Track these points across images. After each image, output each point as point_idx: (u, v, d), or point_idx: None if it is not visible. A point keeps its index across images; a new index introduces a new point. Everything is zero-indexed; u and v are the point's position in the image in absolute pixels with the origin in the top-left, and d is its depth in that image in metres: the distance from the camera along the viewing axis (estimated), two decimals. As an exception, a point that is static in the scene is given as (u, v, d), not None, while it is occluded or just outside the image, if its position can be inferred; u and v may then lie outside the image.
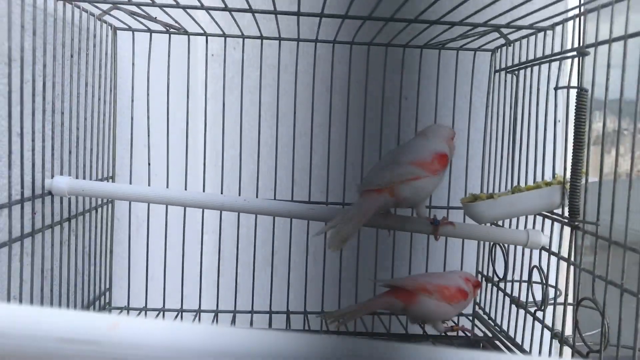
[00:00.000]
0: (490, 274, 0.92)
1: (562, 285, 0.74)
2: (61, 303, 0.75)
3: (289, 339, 0.26)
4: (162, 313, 0.92)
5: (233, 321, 0.91)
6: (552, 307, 0.73)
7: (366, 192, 0.65)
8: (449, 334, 0.83)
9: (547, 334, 0.72)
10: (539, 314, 0.74)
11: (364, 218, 0.63)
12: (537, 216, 0.77)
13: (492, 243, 0.91)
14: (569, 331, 0.70)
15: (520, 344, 0.79)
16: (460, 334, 0.84)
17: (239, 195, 0.85)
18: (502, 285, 0.88)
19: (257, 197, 0.93)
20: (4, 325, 0.25)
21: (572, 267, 0.68)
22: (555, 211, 0.72)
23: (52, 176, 0.70)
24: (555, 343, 0.69)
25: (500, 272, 0.87)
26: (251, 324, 0.90)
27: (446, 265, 0.97)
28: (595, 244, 0.62)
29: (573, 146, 0.66)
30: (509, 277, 0.85)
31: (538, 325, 0.75)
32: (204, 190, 0.92)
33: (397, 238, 0.93)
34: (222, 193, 0.95)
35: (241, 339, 0.26)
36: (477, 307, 0.98)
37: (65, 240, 0.75)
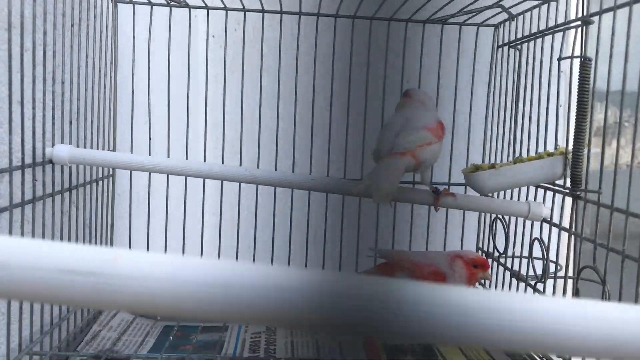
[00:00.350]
0: (491, 250, 0.92)
1: (562, 260, 0.74)
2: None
3: (291, 273, 0.26)
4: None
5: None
6: (552, 280, 0.73)
7: (389, 155, 0.65)
8: None
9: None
10: (540, 287, 0.74)
11: (398, 173, 0.64)
12: (539, 189, 0.77)
13: (493, 218, 0.91)
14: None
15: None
16: None
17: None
18: (502, 260, 0.88)
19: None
20: (4, 257, 0.25)
21: (572, 239, 0.67)
22: (557, 182, 0.72)
23: (53, 145, 0.70)
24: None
25: (501, 247, 0.87)
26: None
27: (446, 242, 0.97)
28: (597, 212, 0.62)
29: (575, 116, 0.66)
30: (510, 252, 0.85)
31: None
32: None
33: (397, 217, 0.93)
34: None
35: (241, 271, 0.26)
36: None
37: (66, 210, 0.75)
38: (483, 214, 0.97)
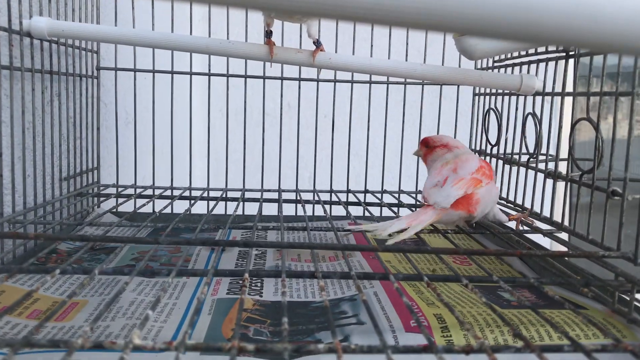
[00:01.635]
0: (484, 147, 0.91)
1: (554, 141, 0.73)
2: (45, 163, 0.73)
3: None
4: (152, 190, 0.90)
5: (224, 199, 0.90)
6: (544, 157, 0.72)
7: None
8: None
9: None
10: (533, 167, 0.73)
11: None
12: (531, 65, 0.75)
13: (485, 110, 0.89)
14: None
15: (520, 203, 0.78)
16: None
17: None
18: (495, 151, 0.86)
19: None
20: None
21: (565, 99, 0.66)
22: (549, 48, 0.70)
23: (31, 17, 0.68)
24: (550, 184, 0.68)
25: (494, 141, 0.86)
26: (243, 204, 0.89)
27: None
28: (589, 66, 0.60)
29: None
30: (503, 140, 0.83)
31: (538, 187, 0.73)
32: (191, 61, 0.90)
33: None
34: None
35: None
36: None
37: (47, 87, 0.73)
38: (476, 111, 0.95)
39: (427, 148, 0.72)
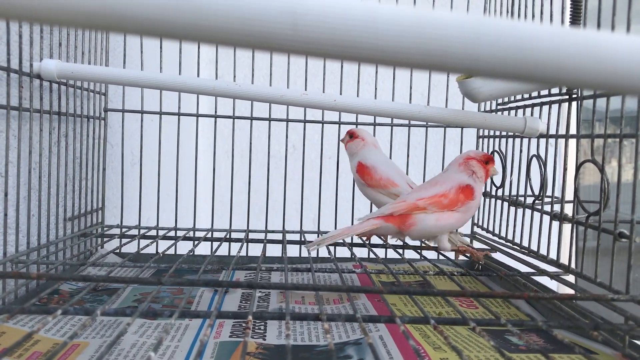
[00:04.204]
0: (488, 189, 0.90)
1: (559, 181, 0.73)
2: (50, 203, 0.73)
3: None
4: (156, 231, 0.90)
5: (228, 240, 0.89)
6: (550, 197, 0.71)
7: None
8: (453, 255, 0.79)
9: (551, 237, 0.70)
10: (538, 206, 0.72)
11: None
12: (534, 107, 0.76)
13: (490, 152, 0.89)
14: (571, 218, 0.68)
15: (527, 245, 0.77)
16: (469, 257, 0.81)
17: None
18: (500, 193, 0.86)
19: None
20: None
21: (569, 142, 0.66)
22: (552, 91, 0.71)
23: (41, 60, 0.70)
24: (556, 227, 0.68)
25: (498, 182, 0.86)
26: (247, 245, 0.88)
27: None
28: (593, 108, 0.61)
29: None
30: (507, 181, 0.83)
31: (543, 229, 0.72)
32: (198, 103, 0.91)
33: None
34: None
35: None
36: (474, 227, 0.97)
37: (54, 128, 0.74)
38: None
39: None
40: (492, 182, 0.88)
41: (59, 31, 0.74)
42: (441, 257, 0.86)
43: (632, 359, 0.50)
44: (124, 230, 0.88)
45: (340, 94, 0.83)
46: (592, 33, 0.26)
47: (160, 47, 0.87)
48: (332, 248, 0.88)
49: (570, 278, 0.66)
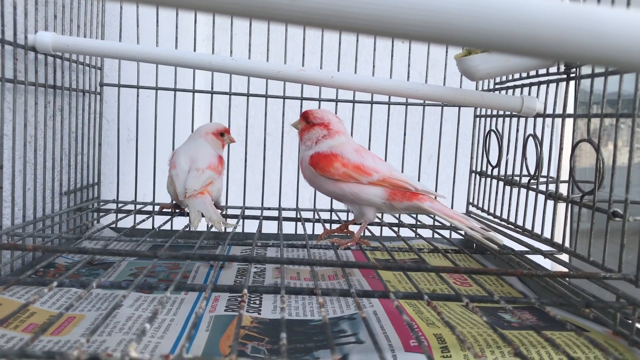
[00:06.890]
0: (484, 168, 0.91)
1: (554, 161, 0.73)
2: (45, 177, 0.73)
3: None
4: (152, 207, 0.90)
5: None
6: (545, 178, 0.72)
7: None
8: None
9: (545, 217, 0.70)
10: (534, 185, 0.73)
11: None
12: (532, 87, 0.76)
13: (486, 132, 0.89)
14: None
15: (521, 224, 0.78)
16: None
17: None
18: (496, 173, 0.86)
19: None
20: None
21: (565, 121, 0.66)
22: (550, 70, 0.71)
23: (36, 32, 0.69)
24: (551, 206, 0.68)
25: (494, 162, 0.86)
26: (243, 222, 0.88)
27: (439, 166, 0.96)
28: (590, 88, 0.61)
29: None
30: (503, 161, 0.83)
31: (538, 208, 0.73)
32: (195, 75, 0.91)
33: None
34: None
35: None
36: (469, 205, 0.97)
37: (49, 102, 0.73)
38: (477, 132, 0.95)
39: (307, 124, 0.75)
40: (489, 161, 0.88)
41: (54, 3, 0.73)
42: (436, 236, 0.86)
43: (623, 337, 0.51)
44: (120, 205, 0.88)
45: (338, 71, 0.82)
46: (592, 7, 0.26)
47: (157, 23, 0.87)
48: (327, 224, 0.88)
49: (564, 257, 0.66)
